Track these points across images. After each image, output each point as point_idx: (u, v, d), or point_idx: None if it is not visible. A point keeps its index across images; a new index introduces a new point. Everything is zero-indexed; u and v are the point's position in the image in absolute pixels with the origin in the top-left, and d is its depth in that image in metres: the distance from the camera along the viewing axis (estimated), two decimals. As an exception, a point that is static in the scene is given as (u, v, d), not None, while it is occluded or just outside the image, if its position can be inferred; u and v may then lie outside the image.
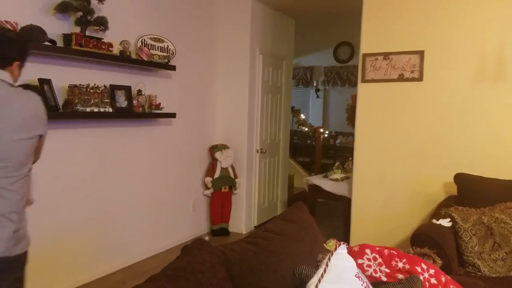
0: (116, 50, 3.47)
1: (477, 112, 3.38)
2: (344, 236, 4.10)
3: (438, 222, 2.68)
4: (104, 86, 3.40)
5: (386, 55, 3.67)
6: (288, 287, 1.61)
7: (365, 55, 3.76)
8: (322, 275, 1.51)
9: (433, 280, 1.75)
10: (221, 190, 4.74)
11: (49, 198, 3.12)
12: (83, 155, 3.37)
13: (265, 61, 5.14)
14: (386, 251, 1.82)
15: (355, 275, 1.55)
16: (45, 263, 3.14)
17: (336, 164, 4.76)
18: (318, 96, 8.59)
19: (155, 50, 3.85)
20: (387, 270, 1.77)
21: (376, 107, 3.76)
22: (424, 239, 2.46)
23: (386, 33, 3.67)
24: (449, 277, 1.81)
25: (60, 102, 3.05)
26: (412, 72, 3.58)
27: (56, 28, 3.05)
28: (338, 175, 4.50)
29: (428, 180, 3.54)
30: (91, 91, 3.22)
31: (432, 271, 1.77)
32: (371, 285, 1.64)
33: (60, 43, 3.04)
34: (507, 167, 3.25)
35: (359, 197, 3.88)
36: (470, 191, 3.08)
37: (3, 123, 1.65)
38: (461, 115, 3.43)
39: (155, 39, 3.86)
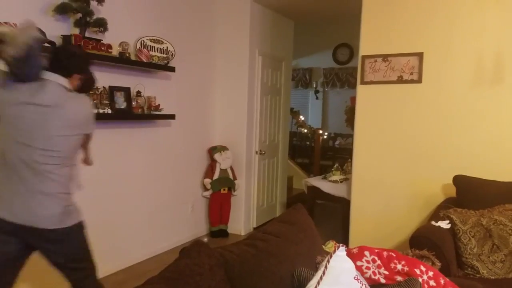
0: (115, 51, 3.47)
1: (476, 114, 3.38)
2: (343, 237, 4.10)
3: (437, 224, 2.68)
4: (103, 87, 3.40)
5: (385, 57, 3.67)
6: (287, 289, 1.61)
7: (364, 57, 3.77)
8: (321, 277, 1.51)
9: (432, 282, 1.75)
10: (220, 192, 4.74)
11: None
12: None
13: (264, 62, 5.14)
14: (385, 253, 1.82)
15: (354, 277, 1.55)
16: (44, 264, 3.13)
17: (335, 166, 4.76)
18: (317, 98, 8.60)
19: (155, 51, 3.85)
20: (386, 272, 1.77)
21: (375, 108, 3.76)
22: (423, 241, 2.46)
23: (385, 35, 3.68)
24: (448, 279, 1.81)
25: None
26: (411, 74, 3.58)
27: (56, 29, 3.05)
28: (337, 176, 4.50)
29: (427, 182, 3.55)
30: (90, 92, 3.22)
31: (431, 273, 1.77)
32: (370, 287, 1.64)
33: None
34: (505, 169, 3.25)
35: (358, 199, 3.88)
36: (469, 193, 3.08)
37: (57, 120, 2.03)
38: (460, 117, 3.44)
39: (154, 41, 3.86)
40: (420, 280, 1.72)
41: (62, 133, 2.04)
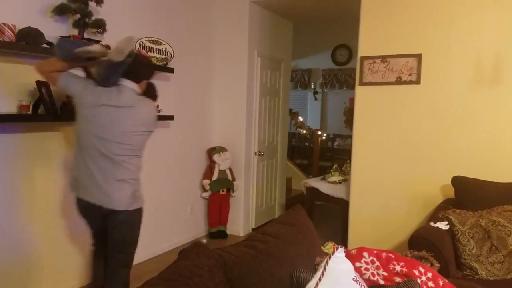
0: (114, 52, 3.46)
1: (475, 115, 3.39)
2: (342, 238, 4.10)
3: (435, 225, 2.68)
4: (102, 88, 3.39)
5: (384, 58, 3.68)
6: (286, 291, 1.61)
7: (363, 58, 3.77)
8: (320, 279, 1.51)
9: (430, 284, 1.75)
10: (219, 193, 4.74)
11: (47, 201, 3.12)
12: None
13: (263, 63, 5.14)
14: (383, 254, 1.82)
15: (353, 278, 1.55)
16: (43, 265, 3.13)
17: (334, 167, 4.76)
18: (316, 99, 8.60)
19: (153, 52, 3.85)
20: (385, 274, 1.77)
21: (374, 109, 3.76)
22: (421, 242, 2.46)
23: (384, 36, 3.68)
24: (446, 280, 1.81)
25: (58, 104, 3.04)
26: (410, 75, 3.59)
27: (54, 30, 3.05)
28: (336, 177, 4.51)
29: (426, 182, 3.55)
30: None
31: (429, 274, 1.77)
32: (369, 288, 1.64)
33: (58, 46, 3.03)
34: (504, 170, 3.26)
35: (357, 200, 3.89)
36: (468, 194, 3.09)
37: (130, 119, 2.43)
38: (458, 118, 3.44)
39: (153, 42, 3.86)
40: (419, 281, 1.72)
41: (134, 130, 2.44)
